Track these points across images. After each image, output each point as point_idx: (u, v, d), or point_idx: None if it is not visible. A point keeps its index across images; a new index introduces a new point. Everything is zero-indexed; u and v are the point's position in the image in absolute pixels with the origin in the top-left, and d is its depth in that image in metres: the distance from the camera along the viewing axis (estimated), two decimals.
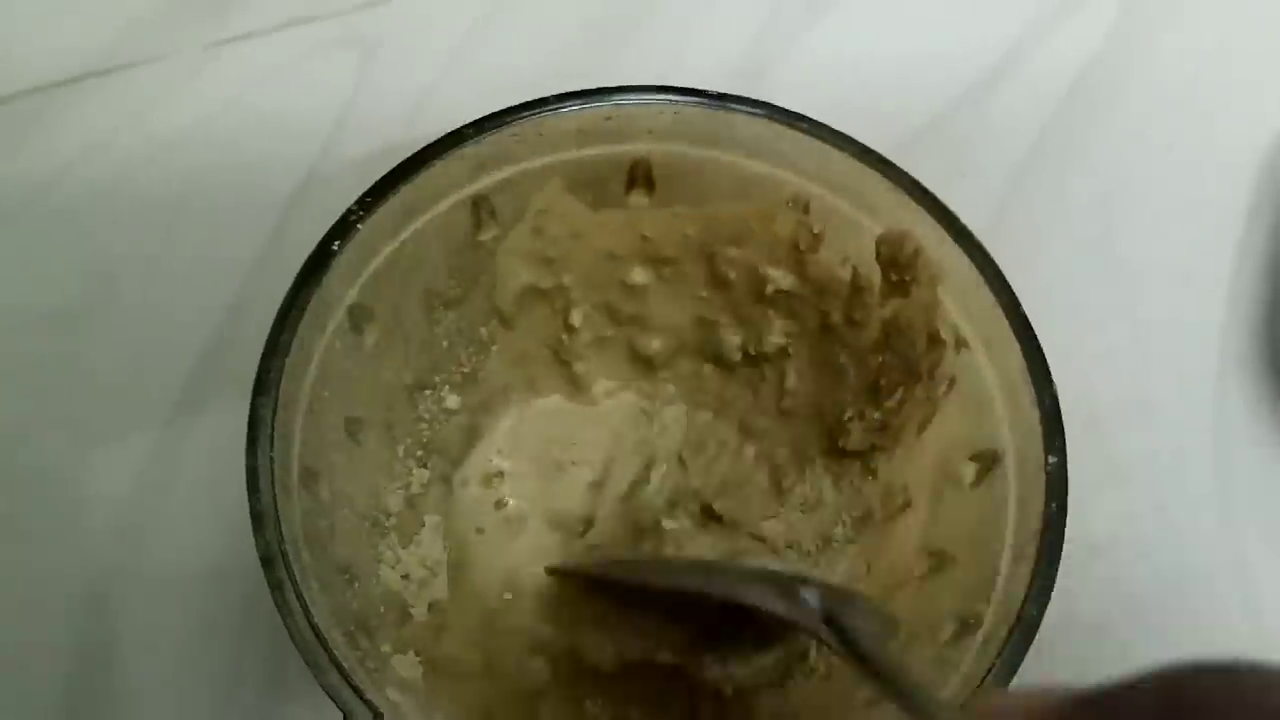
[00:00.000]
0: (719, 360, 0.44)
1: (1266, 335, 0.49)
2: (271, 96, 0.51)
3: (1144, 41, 0.56)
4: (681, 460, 0.43)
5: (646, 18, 0.55)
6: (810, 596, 0.32)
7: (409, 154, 0.36)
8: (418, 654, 0.36)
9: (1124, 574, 0.44)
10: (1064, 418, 0.34)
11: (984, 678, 0.31)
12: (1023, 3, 0.57)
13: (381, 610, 0.36)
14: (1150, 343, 0.49)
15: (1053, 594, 0.32)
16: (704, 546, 0.41)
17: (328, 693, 0.30)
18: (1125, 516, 0.45)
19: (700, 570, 0.39)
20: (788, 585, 0.34)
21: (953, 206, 0.36)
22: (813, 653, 0.39)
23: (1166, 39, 0.56)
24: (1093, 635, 0.43)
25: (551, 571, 0.41)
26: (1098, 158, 0.53)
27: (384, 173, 0.36)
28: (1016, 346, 0.34)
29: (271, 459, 0.32)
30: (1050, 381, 0.34)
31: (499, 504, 0.42)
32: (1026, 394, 0.34)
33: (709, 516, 0.42)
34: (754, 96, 0.38)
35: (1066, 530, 0.33)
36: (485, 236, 0.39)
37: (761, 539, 0.42)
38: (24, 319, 0.46)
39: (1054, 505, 0.33)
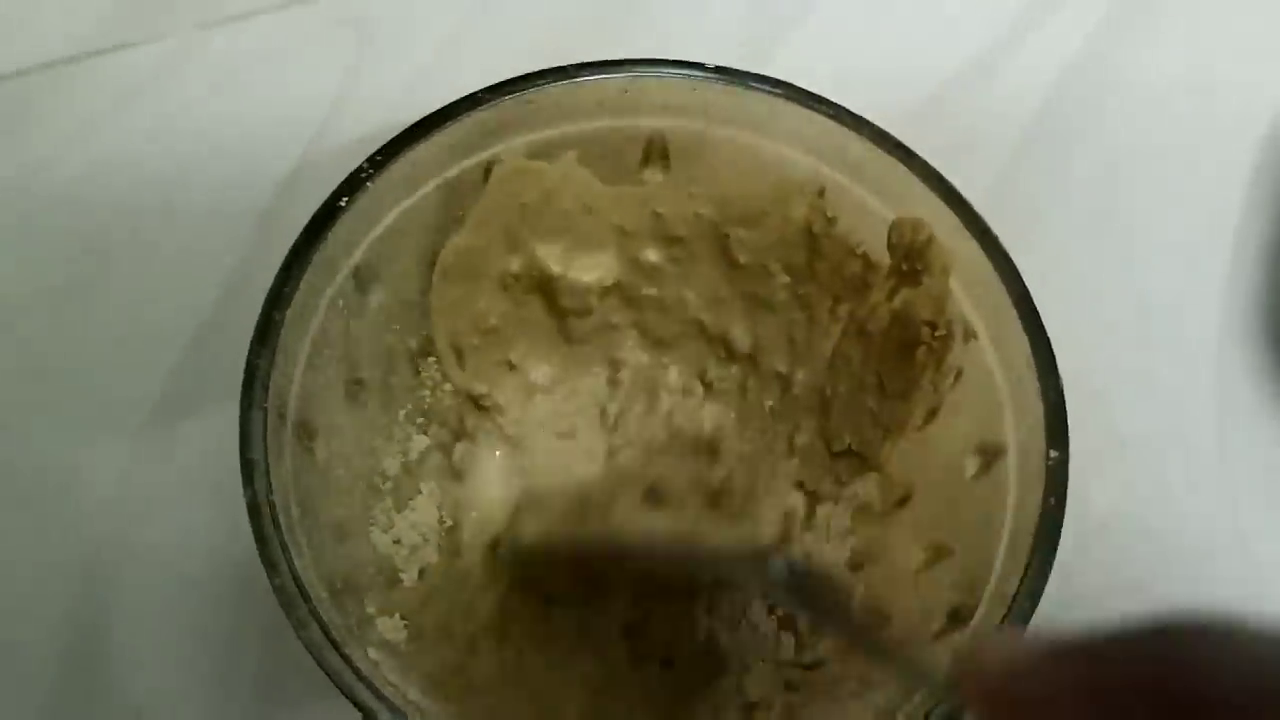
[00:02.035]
0: (726, 346, 0.43)
1: (1268, 310, 0.49)
2: (267, 78, 0.51)
3: (1145, 19, 0.56)
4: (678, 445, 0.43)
5: None
6: (777, 564, 0.31)
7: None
8: (403, 618, 0.36)
9: (1125, 549, 0.44)
10: (1065, 392, 0.33)
11: None
12: None
13: (371, 572, 0.36)
14: (1151, 317, 0.49)
15: (1051, 572, 0.31)
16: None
17: (307, 649, 0.30)
18: (1126, 492, 0.45)
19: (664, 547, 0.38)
20: (756, 555, 0.32)
21: (955, 180, 0.36)
22: None
23: (1168, 16, 0.56)
24: (1093, 611, 0.42)
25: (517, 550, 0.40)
26: (1100, 133, 0.53)
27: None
28: (1025, 339, 0.34)
29: (265, 410, 0.32)
30: (1056, 375, 0.33)
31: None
32: (1032, 386, 0.34)
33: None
34: (758, 72, 0.37)
35: (1067, 505, 0.32)
36: None
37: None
38: (18, 298, 0.46)
39: (1052, 499, 0.32)
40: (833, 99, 0.37)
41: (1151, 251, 0.50)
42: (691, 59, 0.37)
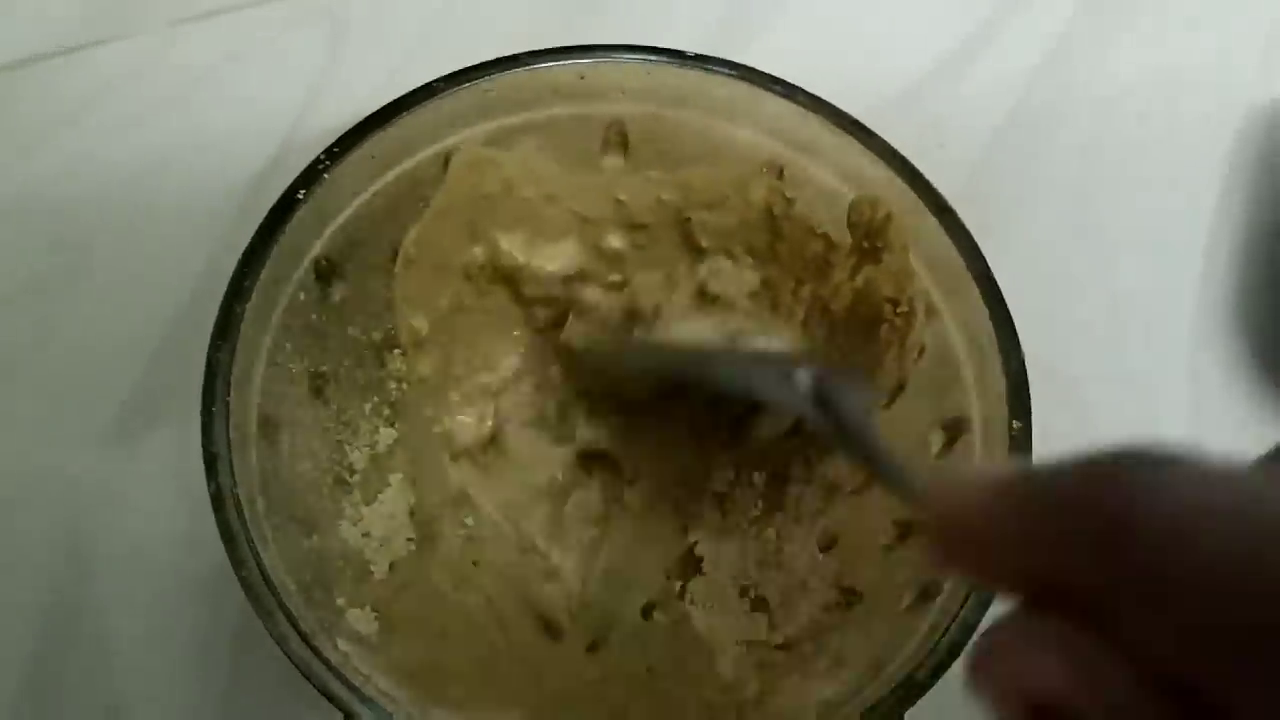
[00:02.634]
0: None
1: (1241, 302, 0.50)
2: (241, 73, 0.51)
3: (1117, 16, 0.56)
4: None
5: None
6: (802, 376, 0.31)
7: None
8: (374, 610, 0.36)
9: None
10: (1039, 386, 0.33)
11: (939, 639, 0.31)
12: None
13: (340, 565, 0.36)
14: (1126, 311, 0.49)
15: None
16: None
17: (276, 641, 0.30)
18: None
19: (696, 359, 0.39)
20: (780, 367, 0.33)
21: (929, 175, 0.36)
22: None
23: (1140, 14, 0.56)
24: None
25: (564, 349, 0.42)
26: (1073, 130, 0.53)
27: None
28: (985, 312, 0.34)
29: (228, 404, 0.32)
30: (1018, 346, 0.34)
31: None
32: (994, 359, 0.34)
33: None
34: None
35: None
36: None
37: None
38: None
39: None
40: None
41: (1125, 248, 0.51)
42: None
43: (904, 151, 0.37)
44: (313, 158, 0.35)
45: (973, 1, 0.56)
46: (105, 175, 0.48)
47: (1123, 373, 0.48)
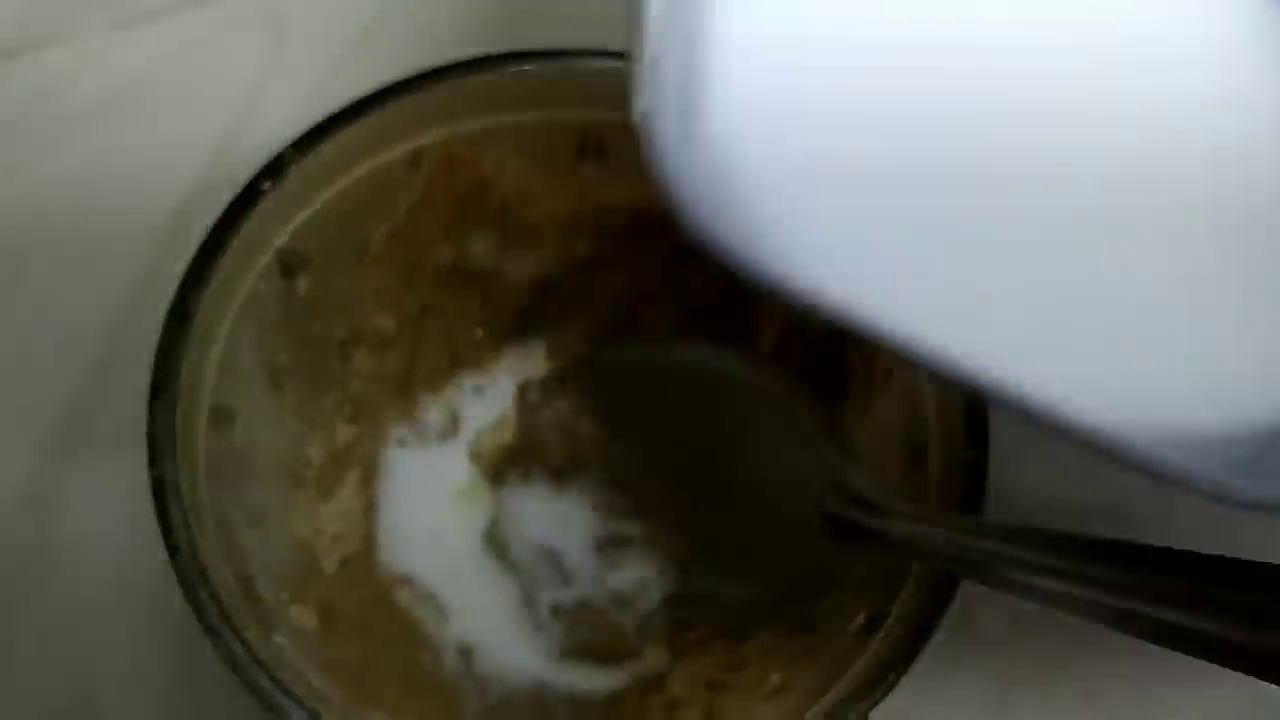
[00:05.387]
0: None
1: None
2: (180, 75, 0.50)
3: None
4: None
5: None
6: None
7: None
8: (319, 606, 0.35)
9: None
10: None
11: (880, 667, 0.31)
12: None
13: (288, 559, 0.36)
14: None
15: None
16: None
17: (205, 632, 0.30)
18: (1109, 479, 0.43)
19: None
20: None
21: None
22: None
23: None
24: None
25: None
26: None
27: None
28: None
29: (176, 391, 0.32)
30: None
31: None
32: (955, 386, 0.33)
33: None
34: None
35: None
36: None
37: None
38: None
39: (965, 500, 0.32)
40: None
41: None
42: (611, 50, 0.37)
43: None
44: (253, 160, 0.35)
45: None
46: (43, 182, 0.47)
47: None
